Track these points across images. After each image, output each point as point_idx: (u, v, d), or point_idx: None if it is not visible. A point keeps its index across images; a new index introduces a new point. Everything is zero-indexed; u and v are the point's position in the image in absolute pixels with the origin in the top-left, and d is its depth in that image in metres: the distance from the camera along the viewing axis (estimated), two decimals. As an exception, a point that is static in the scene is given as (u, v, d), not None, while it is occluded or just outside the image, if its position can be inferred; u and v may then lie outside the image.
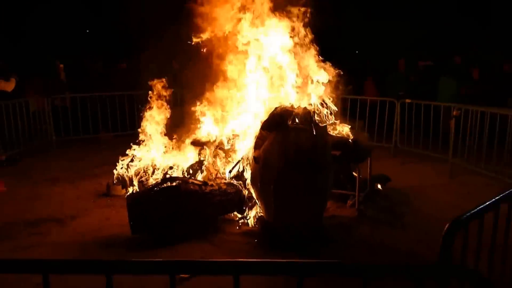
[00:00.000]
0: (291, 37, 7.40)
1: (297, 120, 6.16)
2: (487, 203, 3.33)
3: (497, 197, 3.45)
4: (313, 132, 6.11)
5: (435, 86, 12.83)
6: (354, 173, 7.70)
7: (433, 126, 10.73)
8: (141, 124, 8.90)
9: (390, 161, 10.73)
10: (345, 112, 9.45)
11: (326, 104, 6.75)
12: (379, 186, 8.33)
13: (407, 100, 11.21)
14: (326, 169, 6.32)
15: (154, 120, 8.80)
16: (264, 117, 6.59)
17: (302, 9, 7.36)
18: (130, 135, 11.82)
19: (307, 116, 6.18)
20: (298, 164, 6.05)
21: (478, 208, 3.23)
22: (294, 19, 7.45)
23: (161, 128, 8.78)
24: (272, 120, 6.27)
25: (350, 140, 7.62)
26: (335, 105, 7.49)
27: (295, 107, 6.38)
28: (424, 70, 14.15)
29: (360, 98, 12.10)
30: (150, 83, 8.94)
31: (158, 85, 8.86)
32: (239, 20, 7.79)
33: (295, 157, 6.04)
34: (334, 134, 7.79)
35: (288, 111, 6.25)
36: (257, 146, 6.38)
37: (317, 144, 6.15)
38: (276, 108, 6.42)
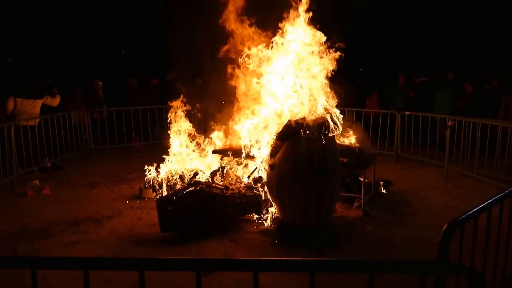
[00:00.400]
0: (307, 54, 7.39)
1: (308, 131, 6.15)
2: (481, 205, 3.30)
3: (489, 200, 3.41)
4: (322, 141, 6.10)
5: (430, 99, 12.77)
6: (360, 178, 7.65)
7: (430, 135, 10.66)
8: (170, 135, 8.96)
9: (392, 166, 10.65)
10: (351, 123, 9.38)
11: (334, 116, 6.71)
12: (382, 189, 8.28)
13: (407, 112, 11.17)
14: (334, 174, 6.30)
15: (181, 131, 8.87)
16: (279, 128, 6.58)
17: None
18: (160, 144, 11.94)
19: (317, 127, 6.17)
20: (309, 170, 6.05)
21: (472, 211, 3.20)
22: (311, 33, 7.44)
23: (187, 137, 8.83)
24: (286, 131, 6.27)
25: (356, 149, 7.61)
26: (342, 116, 7.47)
27: (307, 119, 6.37)
28: (419, 85, 14.06)
29: (365, 111, 12.08)
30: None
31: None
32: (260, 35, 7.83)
33: (306, 163, 6.05)
34: (342, 143, 7.78)
35: (300, 123, 6.24)
36: (272, 154, 6.38)
37: (326, 152, 6.14)
38: (289, 120, 6.42)
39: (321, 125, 6.19)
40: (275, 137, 6.54)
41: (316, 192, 6.11)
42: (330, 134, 6.29)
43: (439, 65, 17.24)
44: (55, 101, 11.03)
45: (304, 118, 6.39)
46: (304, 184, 6.08)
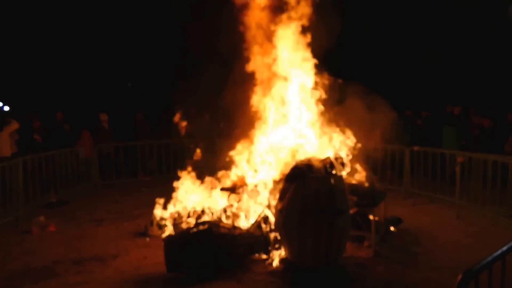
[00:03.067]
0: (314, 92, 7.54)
1: (315, 171, 6.15)
2: (495, 254, 3.23)
3: (504, 249, 3.34)
4: (331, 181, 6.08)
5: (435, 135, 12.77)
6: (369, 216, 7.58)
7: (440, 170, 10.57)
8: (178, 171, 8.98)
9: (402, 203, 10.51)
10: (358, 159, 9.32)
11: (341, 155, 6.75)
12: (392, 227, 8.20)
13: (415, 148, 11.09)
14: (344, 213, 6.25)
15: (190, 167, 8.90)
16: (287, 169, 6.57)
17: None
18: (166, 178, 11.96)
19: (325, 166, 6.16)
20: (318, 210, 6.00)
21: (487, 260, 3.13)
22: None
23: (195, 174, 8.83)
24: (293, 172, 6.27)
25: (365, 186, 7.56)
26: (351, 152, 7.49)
27: (313, 159, 6.38)
28: (424, 120, 14.03)
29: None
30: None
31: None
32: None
33: (315, 203, 6.01)
34: (350, 181, 7.74)
35: (307, 163, 6.24)
36: (281, 197, 6.35)
37: (335, 191, 6.11)
38: (297, 161, 6.43)
39: (329, 165, 6.17)
40: (283, 179, 6.53)
41: (326, 232, 6.03)
42: (338, 173, 6.28)
43: (446, 98, 17.24)
44: (14, 126, 11.14)
45: (312, 158, 6.39)
46: (313, 225, 6.01)
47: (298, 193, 6.11)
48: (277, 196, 6.57)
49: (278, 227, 6.52)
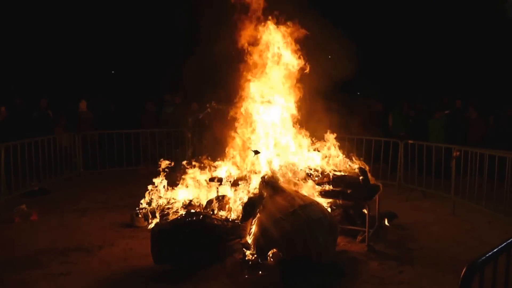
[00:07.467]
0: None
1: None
2: (500, 246, 3.21)
3: (508, 241, 3.32)
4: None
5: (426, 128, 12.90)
6: (363, 210, 7.57)
7: (434, 164, 10.56)
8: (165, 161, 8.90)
9: (395, 197, 10.51)
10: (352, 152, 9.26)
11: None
12: (387, 222, 8.20)
13: (410, 141, 11.05)
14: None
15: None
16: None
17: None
18: (152, 168, 11.91)
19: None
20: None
21: (492, 252, 3.10)
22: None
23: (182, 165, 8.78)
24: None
25: (360, 179, 7.55)
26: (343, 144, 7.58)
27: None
28: (421, 112, 14.06)
29: (366, 138, 12.01)
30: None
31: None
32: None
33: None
34: (345, 173, 7.75)
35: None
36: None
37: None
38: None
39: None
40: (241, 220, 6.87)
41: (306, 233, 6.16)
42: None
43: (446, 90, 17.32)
44: None
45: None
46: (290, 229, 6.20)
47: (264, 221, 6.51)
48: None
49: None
